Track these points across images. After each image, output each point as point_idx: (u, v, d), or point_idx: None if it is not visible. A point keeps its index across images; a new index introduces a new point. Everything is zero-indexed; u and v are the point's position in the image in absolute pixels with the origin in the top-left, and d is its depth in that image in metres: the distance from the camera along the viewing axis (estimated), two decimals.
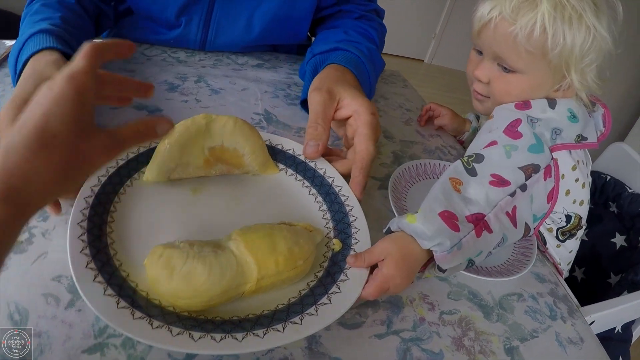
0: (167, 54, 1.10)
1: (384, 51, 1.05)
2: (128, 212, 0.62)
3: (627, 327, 1.08)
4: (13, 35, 0.84)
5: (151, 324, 0.49)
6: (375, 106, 0.76)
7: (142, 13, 1.05)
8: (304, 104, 0.95)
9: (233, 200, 0.68)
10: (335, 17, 1.12)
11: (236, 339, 0.50)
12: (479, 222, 0.64)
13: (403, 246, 0.60)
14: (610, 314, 0.89)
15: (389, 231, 0.64)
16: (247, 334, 0.50)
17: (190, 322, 0.51)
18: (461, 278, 0.72)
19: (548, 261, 0.84)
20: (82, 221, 0.56)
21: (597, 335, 0.95)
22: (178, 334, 0.48)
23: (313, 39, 1.16)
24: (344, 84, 0.79)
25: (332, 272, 0.61)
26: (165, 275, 0.51)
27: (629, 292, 1.02)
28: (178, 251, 0.53)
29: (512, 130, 0.76)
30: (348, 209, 0.68)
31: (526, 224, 0.70)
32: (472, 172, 0.70)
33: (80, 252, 0.53)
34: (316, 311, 0.55)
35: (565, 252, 0.90)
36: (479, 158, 0.72)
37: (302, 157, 0.74)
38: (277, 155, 0.74)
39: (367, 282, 0.59)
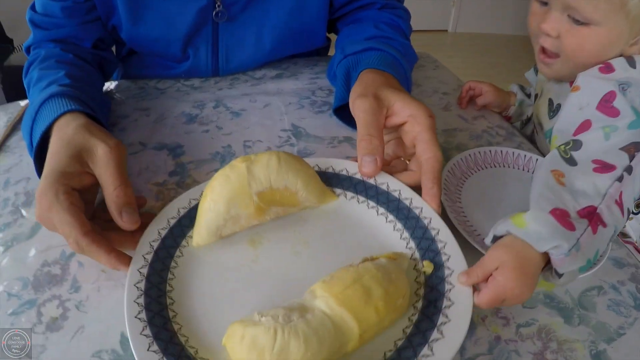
0: (181, 84, 1.05)
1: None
2: (185, 282, 0.57)
3: None
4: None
5: None
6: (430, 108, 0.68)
7: (146, 53, 1.01)
8: (337, 112, 0.89)
9: (299, 244, 0.62)
10: (357, 11, 1.04)
11: None
12: (593, 217, 0.58)
13: (518, 252, 0.54)
14: None
15: (494, 239, 0.58)
16: None
17: None
18: None
19: (621, 242, 0.77)
20: (138, 297, 0.53)
21: None
22: None
23: (333, 38, 1.09)
24: (390, 87, 0.71)
25: (432, 299, 0.55)
26: (254, 358, 0.45)
27: None
28: (262, 328, 0.46)
29: (607, 106, 0.69)
30: (426, 222, 0.62)
31: (627, 208, 0.62)
32: (572, 162, 0.64)
33: (141, 333, 0.49)
34: (431, 350, 0.50)
35: (637, 225, 0.84)
36: (577, 145, 0.66)
37: (358, 176, 0.67)
38: (330, 180, 0.68)
39: (477, 292, 0.55)
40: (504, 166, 0.82)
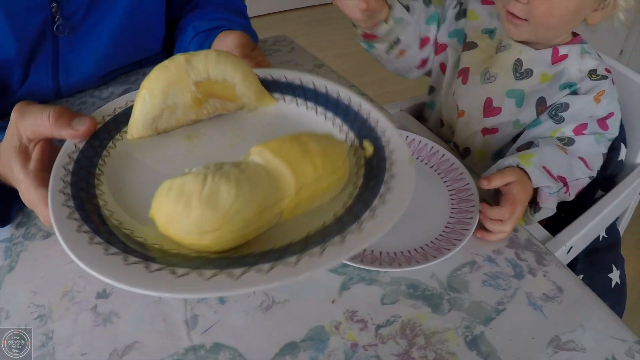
0: None
1: (290, 7, 0.94)
2: (116, 175, 0.54)
3: (613, 228, 0.95)
4: None
5: (174, 273, 0.39)
6: None
7: None
8: None
9: (237, 139, 0.59)
10: (194, 1, 0.99)
11: (261, 270, 0.40)
12: (566, 186, 0.72)
13: (524, 179, 0.67)
14: (589, 230, 0.75)
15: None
16: (274, 263, 0.40)
17: (224, 260, 0.42)
18: (393, 272, 0.58)
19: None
20: (64, 188, 0.48)
21: (581, 252, 0.83)
22: (213, 276, 0.39)
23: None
24: None
25: (374, 174, 0.51)
26: (181, 206, 0.41)
27: (602, 190, 0.88)
28: (192, 176, 0.42)
29: (604, 121, 0.80)
30: (365, 114, 0.58)
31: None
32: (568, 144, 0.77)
33: (68, 217, 0.45)
34: (373, 214, 0.46)
35: None
36: (570, 142, 0.77)
37: (297, 82, 0.64)
38: (268, 86, 0.64)
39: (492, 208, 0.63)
40: None
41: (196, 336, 0.51)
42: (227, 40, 0.78)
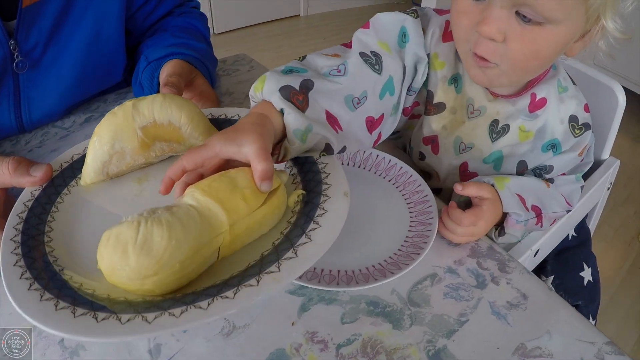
0: None
1: (256, 22, 0.92)
2: (69, 220, 0.56)
3: (582, 226, 0.94)
4: None
5: (120, 320, 0.41)
6: None
7: None
8: None
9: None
10: (156, 24, 0.98)
11: (201, 307, 0.42)
12: (539, 217, 0.69)
13: (497, 200, 0.65)
14: (556, 232, 0.75)
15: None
16: (213, 299, 0.42)
17: (167, 302, 0.43)
18: (352, 290, 0.57)
19: None
20: (15, 236, 0.52)
21: (551, 252, 0.82)
22: (155, 318, 0.41)
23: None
24: None
25: (306, 212, 0.51)
26: (119, 255, 0.43)
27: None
28: (126, 224, 0.44)
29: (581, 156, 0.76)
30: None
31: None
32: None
33: (14, 265, 0.48)
34: (309, 238, 0.47)
35: None
36: (550, 181, 0.74)
37: (236, 119, 0.66)
38: (222, 125, 0.64)
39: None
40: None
41: None
42: (164, 71, 0.79)
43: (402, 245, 0.60)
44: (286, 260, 0.45)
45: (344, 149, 0.59)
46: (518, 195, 0.66)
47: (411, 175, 0.68)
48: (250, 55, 1.10)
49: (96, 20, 0.87)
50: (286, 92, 0.55)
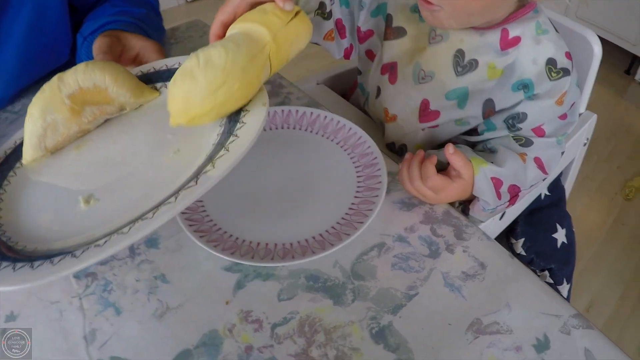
0: None
1: None
2: (17, 199, 0.58)
3: (556, 185, 0.89)
4: None
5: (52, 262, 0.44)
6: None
7: None
8: None
9: (122, 135, 0.62)
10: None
11: (122, 232, 0.44)
12: (514, 198, 0.66)
13: (471, 184, 0.61)
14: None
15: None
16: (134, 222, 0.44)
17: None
18: (293, 265, 0.52)
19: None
20: None
21: (522, 212, 0.78)
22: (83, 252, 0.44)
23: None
24: None
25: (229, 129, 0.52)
26: (187, 83, 0.49)
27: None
28: (185, 61, 0.50)
29: (564, 115, 0.69)
30: None
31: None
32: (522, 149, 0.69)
33: None
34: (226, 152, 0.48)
35: None
36: (528, 143, 0.68)
37: (177, 66, 0.65)
38: (152, 77, 0.66)
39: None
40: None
41: (95, 351, 0.48)
42: (95, 45, 0.77)
43: (346, 214, 0.55)
44: (203, 175, 0.46)
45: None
46: (494, 178, 0.63)
47: (360, 137, 0.62)
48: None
49: (38, 1, 0.83)
50: None
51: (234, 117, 0.52)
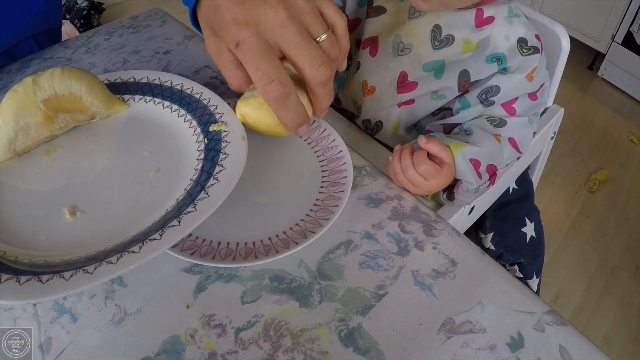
0: None
1: None
2: None
3: (524, 178, 0.89)
4: None
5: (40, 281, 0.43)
6: None
7: None
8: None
9: (92, 144, 0.62)
10: None
11: (111, 262, 0.44)
12: (493, 177, 0.68)
13: (453, 166, 0.64)
14: (494, 185, 0.69)
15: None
16: (121, 254, 0.44)
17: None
18: (256, 266, 0.50)
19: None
20: None
21: (490, 207, 0.77)
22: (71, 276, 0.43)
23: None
24: None
25: (210, 157, 0.54)
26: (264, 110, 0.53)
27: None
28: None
29: (534, 94, 0.72)
30: (205, 102, 0.62)
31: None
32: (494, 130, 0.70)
33: None
34: (206, 194, 0.49)
35: None
36: (502, 123, 0.70)
37: (144, 80, 0.67)
38: (119, 88, 0.67)
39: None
40: None
41: None
42: None
43: (310, 210, 0.52)
44: (185, 216, 0.47)
45: None
46: (472, 160, 0.65)
47: (325, 129, 0.60)
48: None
49: None
50: None
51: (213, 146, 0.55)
